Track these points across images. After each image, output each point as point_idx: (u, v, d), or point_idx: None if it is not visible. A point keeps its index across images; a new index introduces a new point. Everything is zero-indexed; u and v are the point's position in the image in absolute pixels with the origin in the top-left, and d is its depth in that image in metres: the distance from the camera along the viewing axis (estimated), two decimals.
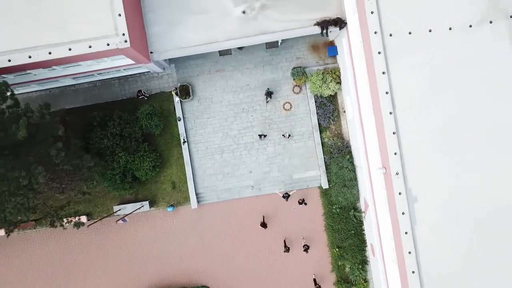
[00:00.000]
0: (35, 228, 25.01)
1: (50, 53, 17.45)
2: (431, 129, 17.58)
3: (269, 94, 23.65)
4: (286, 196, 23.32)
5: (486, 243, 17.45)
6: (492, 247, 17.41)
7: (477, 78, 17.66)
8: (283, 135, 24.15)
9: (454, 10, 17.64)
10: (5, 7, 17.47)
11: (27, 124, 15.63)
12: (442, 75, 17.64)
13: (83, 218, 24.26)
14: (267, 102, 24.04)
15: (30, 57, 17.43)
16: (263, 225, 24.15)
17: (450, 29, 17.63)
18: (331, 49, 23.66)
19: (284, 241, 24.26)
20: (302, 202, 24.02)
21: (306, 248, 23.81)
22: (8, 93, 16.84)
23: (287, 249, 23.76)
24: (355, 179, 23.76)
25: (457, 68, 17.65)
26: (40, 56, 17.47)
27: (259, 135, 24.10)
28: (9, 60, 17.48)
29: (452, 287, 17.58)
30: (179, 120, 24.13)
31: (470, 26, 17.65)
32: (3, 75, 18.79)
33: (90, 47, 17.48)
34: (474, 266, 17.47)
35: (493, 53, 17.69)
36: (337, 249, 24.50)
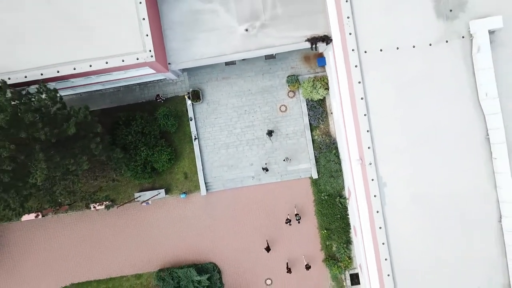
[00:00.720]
0: (66, 212, 29.19)
1: (90, 65, 21.64)
2: (398, 129, 21.69)
3: (270, 133, 27.75)
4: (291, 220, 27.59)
5: (440, 218, 21.59)
6: (444, 221, 21.55)
7: (436, 88, 21.77)
8: (284, 159, 28.15)
9: (416, 31, 21.76)
10: (59, 30, 21.62)
11: (75, 123, 19.77)
12: (407, 85, 21.75)
13: (101, 206, 28.42)
14: (271, 138, 27.96)
15: (74, 68, 21.63)
16: (267, 249, 28.10)
17: (413, 47, 21.77)
18: (320, 60, 27.84)
19: (287, 263, 28.25)
20: (299, 218, 28.02)
21: (308, 267, 27.81)
22: (58, 98, 20.95)
23: (288, 270, 27.83)
24: (340, 170, 27.94)
25: (419, 79, 21.77)
26: (83, 68, 21.65)
27: (268, 130, 27.87)
28: (58, 71, 21.67)
29: (414, 253, 21.72)
30: (191, 120, 28.32)
31: (430, 44, 21.78)
32: (49, 83, 22.94)
33: (123, 61, 21.67)
34: (431, 236, 21.62)
35: (449, 67, 21.81)
36: (325, 231, 28.66)
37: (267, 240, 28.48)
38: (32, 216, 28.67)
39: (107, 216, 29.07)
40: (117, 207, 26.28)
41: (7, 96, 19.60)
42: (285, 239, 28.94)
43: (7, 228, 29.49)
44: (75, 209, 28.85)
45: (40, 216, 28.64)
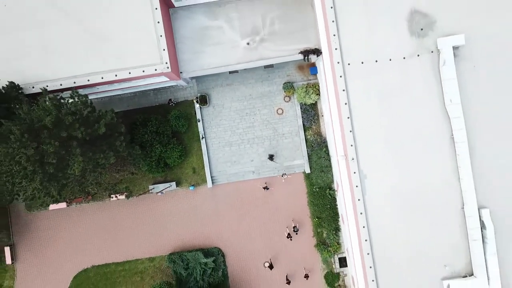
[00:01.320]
0: (88, 202, 33.08)
1: (116, 75, 25.53)
2: (377, 130, 25.55)
3: (271, 157, 31.58)
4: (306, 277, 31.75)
5: (413, 206, 25.45)
6: (416, 208, 25.41)
7: (409, 95, 25.66)
8: (282, 175, 31.98)
9: (392, 46, 25.64)
10: (89, 45, 25.51)
11: (104, 124, 23.63)
12: (385, 93, 25.62)
13: (122, 196, 32.31)
14: (273, 160, 31.86)
15: (102, 78, 25.53)
16: (270, 266, 31.89)
17: (390, 60, 25.66)
18: (313, 69, 31.72)
19: (286, 276, 32.15)
20: (296, 231, 31.92)
21: (307, 276, 31.83)
22: (89, 102, 24.81)
23: (288, 282, 31.81)
24: (330, 166, 31.82)
25: (395, 87, 25.65)
26: (109, 77, 25.55)
27: (269, 154, 31.87)
28: (88, 80, 25.58)
29: (390, 236, 25.58)
30: (199, 121, 32.20)
31: (404, 58, 25.67)
32: (78, 90, 26.80)
33: (143, 71, 25.57)
34: (405, 221, 25.48)
35: (420, 77, 25.70)
36: (317, 219, 32.52)
37: (270, 259, 32.18)
38: (59, 205, 32.69)
39: (124, 205, 32.94)
40: (136, 196, 30.18)
41: (46, 101, 23.50)
42: (282, 227, 32.78)
43: (36, 217, 33.37)
44: (96, 199, 32.73)
45: (65, 206, 32.69)
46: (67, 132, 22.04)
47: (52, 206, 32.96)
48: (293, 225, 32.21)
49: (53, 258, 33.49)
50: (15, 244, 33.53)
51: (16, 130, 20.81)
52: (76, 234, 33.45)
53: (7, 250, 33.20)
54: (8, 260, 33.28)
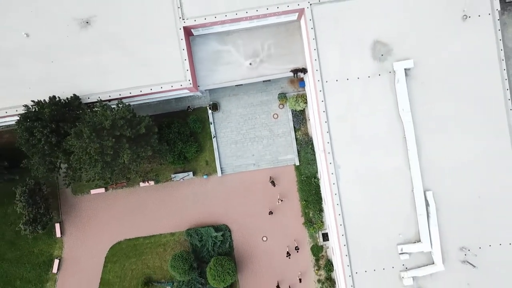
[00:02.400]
0: (122, 188, 41.37)
1: (151, 89, 33.90)
2: (348, 131, 33.74)
3: (272, 183, 39.76)
4: (297, 249, 39.97)
5: (375, 189, 33.67)
6: (377, 190, 33.62)
7: (373, 105, 33.86)
8: (278, 201, 40.27)
9: (360, 68, 33.83)
10: (130, 66, 33.83)
11: (145, 125, 31.93)
12: (353, 103, 33.81)
13: (152, 182, 40.68)
14: (274, 186, 40.30)
15: (141, 91, 33.88)
16: (288, 254, 40.21)
17: (358, 78, 33.96)
18: (301, 83, 40.06)
19: (287, 250, 40.46)
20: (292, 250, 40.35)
21: (297, 248, 40.06)
22: (131, 109, 33.08)
23: (288, 255, 40.15)
24: (314, 159, 40.13)
25: (362, 99, 33.81)
26: (145, 91, 33.89)
27: (269, 212, 40.20)
28: (130, 93, 33.93)
29: (357, 211, 33.80)
30: (211, 124, 40.52)
31: (369, 77, 33.95)
32: (122, 100, 35.00)
33: (172, 86, 33.92)
34: (369, 200, 33.70)
35: (381, 91, 33.95)
36: (304, 202, 40.82)
37: (278, 281, 40.48)
38: (99, 190, 41.02)
39: (150, 190, 41.26)
40: (163, 182, 38.55)
41: (99, 109, 31.81)
42: (278, 209, 41.05)
43: (80, 199, 41.68)
44: (128, 186, 41.07)
45: (104, 191, 41.02)
46: (119, 132, 30.32)
47: (93, 191, 41.36)
48: (295, 245, 40.28)
49: (93, 232, 41.77)
50: (63, 221, 41.85)
51: (86, 130, 29.09)
52: (111, 213, 41.76)
53: (57, 226, 41.52)
54: (58, 234, 41.62)
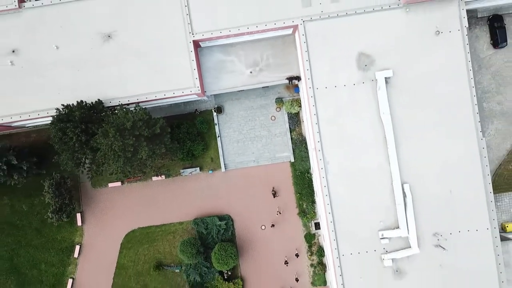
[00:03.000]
0: (136, 182, 46.42)
1: (165, 94, 38.99)
2: (335, 132, 38.84)
3: (274, 194, 44.88)
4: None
5: (358, 182, 38.74)
6: (361, 183, 38.71)
7: (357, 109, 38.94)
8: (277, 213, 45.41)
9: (346, 76, 38.89)
10: (146, 74, 38.89)
11: (160, 126, 36.99)
12: (341, 107, 38.91)
13: (163, 176, 45.74)
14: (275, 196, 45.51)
15: (155, 96, 38.97)
16: (286, 262, 45.18)
17: (344, 85, 39.03)
18: (296, 89, 45.11)
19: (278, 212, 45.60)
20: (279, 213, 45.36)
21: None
22: (147, 112, 38.13)
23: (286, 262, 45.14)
24: (308, 156, 45.20)
25: (348, 104, 38.89)
26: (160, 96, 38.99)
27: (273, 190, 45.36)
28: (146, 97, 39.01)
29: (343, 201, 38.84)
30: (216, 125, 45.58)
31: (354, 84, 39.02)
32: (139, 103, 40.03)
33: (182, 92, 39.01)
34: (353, 191, 38.78)
35: (365, 97, 39.03)
36: (298, 194, 45.85)
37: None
38: (116, 183, 46.05)
39: (161, 184, 46.29)
40: (173, 176, 43.69)
41: (120, 111, 36.88)
42: (276, 202, 46.12)
43: (99, 191, 46.72)
44: (142, 180, 46.14)
45: (120, 184, 46.08)
46: (138, 132, 35.40)
47: (110, 184, 46.41)
48: (295, 253, 45.39)
49: (110, 221, 46.81)
50: (83, 211, 46.90)
51: (111, 130, 34.15)
52: (126, 204, 46.78)
53: (78, 215, 46.57)
54: (79, 223, 46.67)
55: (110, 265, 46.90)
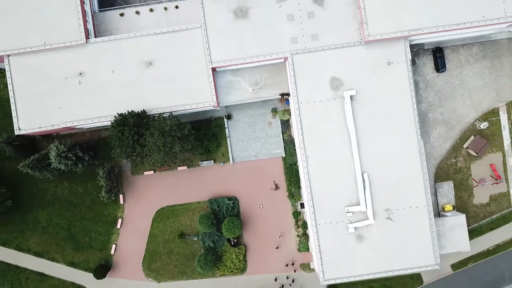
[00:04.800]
0: (165, 171, 61.12)
1: (190, 106, 53.72)
2: (315, 134, 53.56)
3: (276, 186, 59.70)
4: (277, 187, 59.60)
5: (332, 171, 53.49)
6: (334, 172, 53.45)
7: (331, 120, 53.77)
8: (279, 237, 60.05)
9: (322, 94, 53.62)
10: (174, 90, 53.68)
11: (188, 129, 51.70)
12: (318, 116, 53.62)
13: (185, 167, 60.43)
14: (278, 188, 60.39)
15: (184, 107, 53.69)
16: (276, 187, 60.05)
17: (321, 101, 53.76)
18: (287, 102, 59.78)
19: (274, 182, 60.32)
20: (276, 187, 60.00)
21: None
22: (178, 118, 52.74)
23: (276, 188, 59.76)
24: (295, 152, 59.89)
25: (324, 115, 53.62)
26: (186, 107, 53.75)
27: (276, 186, 60.07)
28: (177, 108, 53.73)
29: (320, 186, 53.54)
30: (226, 128, 60.29)
31: (328, 100, 53.77)
32: (171, 112, 54.60)
33: (203, 104, 53.79)
34: (328, 179, 53.56)
35: (336, 110, 53.82)
36: (288, 181, 60.56)
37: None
38: (149, 172, 60.73)
39: (184, 172, 60.90)
40: (194, 167, 58.48)
41: (159, 119, 51.58)
42: (272, 187, 60.81)
43: (137, 178, 61.35)
44: (169, 169, 60.84)
45: (153, 173, 60.82)
46: (173, 133, 50.11)
47: (146, 172, 61.09)
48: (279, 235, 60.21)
49: (145, 201, 61.43)
50: (125, 193, 61.50)
51: (156, 132, 48.82)
52: (157, 188, 61.40)
53: (121, 196, 61.15)
54: (121, 201, 61.29)
55: (144, 234, 61.48)
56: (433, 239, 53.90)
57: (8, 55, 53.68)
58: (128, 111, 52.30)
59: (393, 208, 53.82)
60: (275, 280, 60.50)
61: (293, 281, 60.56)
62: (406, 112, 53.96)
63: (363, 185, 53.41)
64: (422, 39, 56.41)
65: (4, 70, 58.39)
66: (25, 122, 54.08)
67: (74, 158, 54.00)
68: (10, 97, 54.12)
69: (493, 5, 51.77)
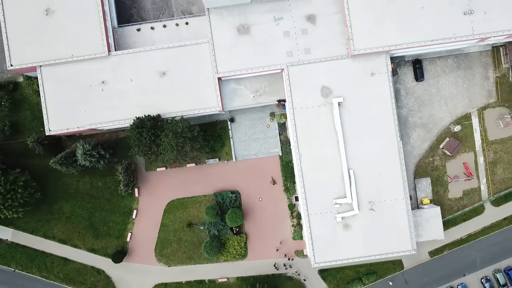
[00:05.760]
0: (175, 168, 69.00)
1: (199, 111, 61.62)
2: (307, 135, 61.46)
3: (273, 181, 67.81)
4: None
5: (321, 165, 61.44)
6: (323, 165, 61.38)
7: (321, 123, 61.61)
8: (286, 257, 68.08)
9: (314, 101, 61.57)
10: (186, 96, 61.72)
11: (197, 130, 59.55)
12: (310, 120, 61.53)
13: (194, 164, 68.30)
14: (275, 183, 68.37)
15: (193, 112, 61.60)
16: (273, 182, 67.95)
17: (313, 107, 61.65)
18: (283, 107, 67.58)
19: (272, 179, 68.24)
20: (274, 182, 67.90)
21: (273, 182, 67.70)
22: (188, 121, 60.62)
23: (274, 182, 67.72)
24: (290, 151, 67.73)
25: (315, 119, 61.48)
26: (196, 112, 61.67)
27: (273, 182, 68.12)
28: (187, 113, 61.65)
29: (311, 178, 61.43)
30: (229, 130, 68.17)
31: (319, 106, 61.70)
32: (183, 116, 62.46)
33: (210, 110, 61.74)
34: (318, 172, 61.55)
35: (326, 115, 61.65)
36: (284, 177, 68.42)
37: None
38: (161, 168, 68.61)
39: (192, 169, 68.77)
40: (201, 164, 66.38)
41: (172, 122, 59.48)
42: (272, 187, 68.70)
43: (150, 173, 69.18)
44: (179, 166, 68.69)
45: (164, 169, 68.74)
46: (185, 134, 57.97)
47: (158, 169, 68.96)
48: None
49: (157, 194, 69.24)
50: (139, 187, 69.37)
51: (170, 133, 56.68)
52: (168, 182, 69.23)
53: (136, 190, 68.99)
54: (136, 194, 69.13)
55: (156, 223, 69.31)
56: (410, 228, 61.74)
57: (40, 66, 61.49)
58: (144, 115, 60.14)
59: (375, 200, 61.62)
60: (274, 265, 68.24)
61: (290, 267, 68.31)
62: (387, 116, 61.81)
63: (349, 180, 61.21)
64: (402, 52, 64.31)
65: (33, 77, 66.56)
66: (55, 124, 61.94)
67: (97, 156, 61.82)
68: (41, 102, 61.94)
69: (462, 24, 59.62)
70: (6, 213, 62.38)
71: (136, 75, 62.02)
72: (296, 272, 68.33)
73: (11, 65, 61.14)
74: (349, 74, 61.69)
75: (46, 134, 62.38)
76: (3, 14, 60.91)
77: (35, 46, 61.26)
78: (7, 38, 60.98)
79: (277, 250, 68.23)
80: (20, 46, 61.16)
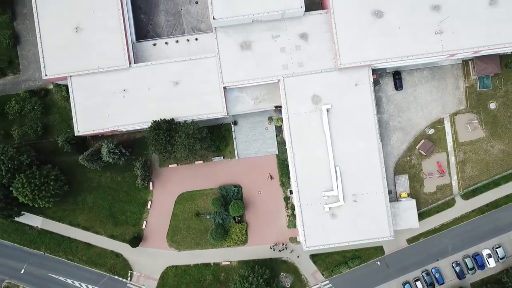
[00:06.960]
0: (186, 164, 78.88)
1: (207, 116, 71.57)
2: (300, 137, 71.32)
3: (271, 177, 77.74)
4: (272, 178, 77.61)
5: (313, 163, 71.30)
6: (314, 162, 71.23)
7: (310, 125, 71.48)
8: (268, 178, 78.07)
9: (306, 108, 71.54)
10: (193, 103, 71.86)
11: (205, 132, 69.39)
12: (303, 124, 71.40)
13: (201, 161, 78.15)
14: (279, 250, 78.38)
15: (202, 116, 71.51)
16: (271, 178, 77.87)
17: (305, 113, 71.54)
18: (280, 112, 77.38)
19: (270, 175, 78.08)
20: (271, 177, 77.77)
21: (271, 177, 77.55)
22: (198, 123, 70.46)
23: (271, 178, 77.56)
24: (286, 151, 77.51)
25: (306, 123, 71.39)
26: (204, 116, 71.56)
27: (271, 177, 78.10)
28: (197, 117, 71.58)
29: (304, 173, 71.29)
30: (233, 131, 78.01)
31: (310, 112, 71.58)
32: (193, 120, 72.34)
33: (217, 114, 71.65)
34: (310, 167, 71.36)
35: (316, 120, 71.53)
36: (280, 173, 78.25)
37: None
38: (173, 165, 78.47)
39: (200, 166, 78.56)
40: (208, 161, 76.31)
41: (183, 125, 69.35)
42: (269, 182, 78.59)
43: (163, 169, 78.90)
44: (189, 163, 78.51)
45: (176, 165, 78.69)
46: (195, 135, 67.80)
47: (170, 165, 78.82)
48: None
49: (169, 187, 79.00)
50: (154, 181, 79.15)
51: (183, 134, 66.43)
52: (179, 177, 79.02)
53: (150, 183, 78.80)
54: (151, 188, 78.94)
55: (168, 213, 79.07)
56: (388, 217, 71.60)
57: (71, 76, 71.35)
58: (160, 118, 70.02)
59: (358, 193, 71.47)
60: (271, 248, 78.06)
61: (286, 248, 77.96)
62: (369, 121, 71.70)
63: (335, 176, 71.08)
64: (383, 66, 74.21)
65: (63, 85, 76.40)
66: (83, 126, 71.79)
67: (119, 154, 71.71)
68: (71, 107, 71.77)
69: (433, 43, 69.52)
70: (40, 203, 72.02)
71: (153, 84, 71.81)
72: (291, 252, 77.76)
73: (46, 75, 70.93)
74: (336, 85, 71.55)
75: (75, 134, 72.16)
76: (39, 31, 70.68)
77: (66, 59, 70.99)
78: (42, 52, 70.70)
79: (282, 243, 77.82)
80: (53, 59, 70.92)
